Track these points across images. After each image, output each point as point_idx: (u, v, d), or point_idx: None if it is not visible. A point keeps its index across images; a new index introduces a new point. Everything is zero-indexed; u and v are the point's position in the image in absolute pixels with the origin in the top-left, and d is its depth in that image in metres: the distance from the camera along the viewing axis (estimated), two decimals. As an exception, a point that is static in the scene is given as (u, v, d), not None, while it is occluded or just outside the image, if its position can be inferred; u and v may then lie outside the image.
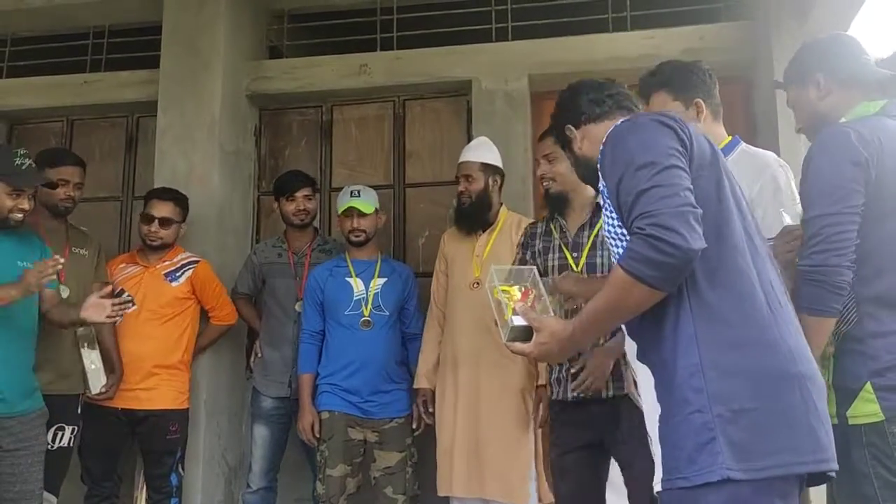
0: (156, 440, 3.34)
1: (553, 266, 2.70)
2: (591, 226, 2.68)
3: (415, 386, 3.24)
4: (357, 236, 3.31)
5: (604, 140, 1.66)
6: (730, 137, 2.38)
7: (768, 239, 1.83)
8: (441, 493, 3.07)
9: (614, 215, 1.61)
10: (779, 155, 2.49)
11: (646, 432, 1.64)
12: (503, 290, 1.75)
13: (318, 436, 3.21)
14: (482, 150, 3.25)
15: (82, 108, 4.44)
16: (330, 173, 4.29)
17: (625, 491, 2.50)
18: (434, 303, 3.29)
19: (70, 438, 3.15)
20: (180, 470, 3.41)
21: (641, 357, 1.64)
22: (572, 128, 1.87)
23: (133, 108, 4.40)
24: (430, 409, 3.19)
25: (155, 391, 3.32)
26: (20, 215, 2.72)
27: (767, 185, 2.21)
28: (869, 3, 3.38)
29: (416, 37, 4.20)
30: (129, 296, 3.21)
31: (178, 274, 3.45)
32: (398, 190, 4.16)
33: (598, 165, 1.67)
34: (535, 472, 2.96)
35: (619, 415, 2.48)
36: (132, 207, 4.36)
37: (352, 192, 3.34)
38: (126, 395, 3.28)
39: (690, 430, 1.44)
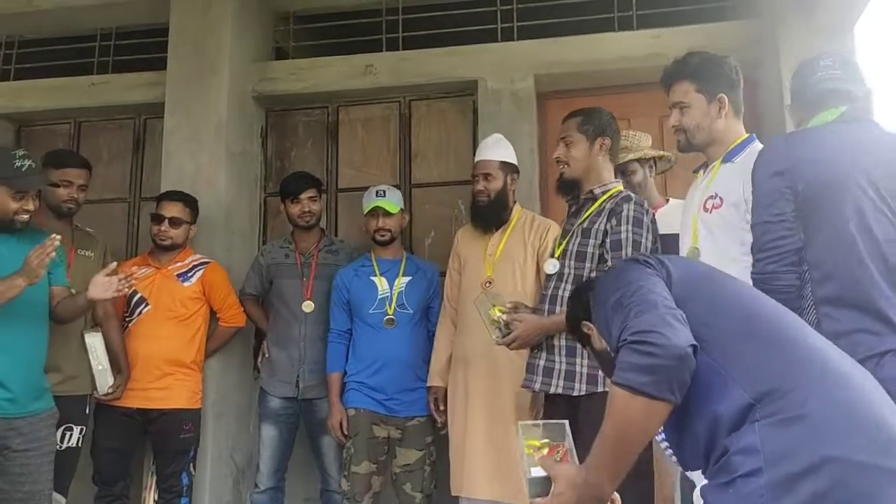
0: (170, 439, 3.36)
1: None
2: (580, 213, 2.76)
3: (427, 384, 3.25)
4: (382, 236, 3.36)
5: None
6: (745, 135, 2.39)
7: None
8: (454, 493, 3.08)
9: None
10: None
11: None
12: (530, 445, 1.66)
13: (346, 433, 3.25)
14: (500, 148, 3.25)
15: (89, 109, 4.46)
16: (336, 174, 4.29)
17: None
18: (447, 301, 3.31)
19: (78, 439, 3.16)
20: (192, 469, 3.43)
21: None
22: (589, 324, 1.81)
23: (140, 109, 4.42)
24: (442, 408, 3.20)
25: (169, 391, 3.34)
26: (26, 216, 2.72)
27: None
28: (875, 1, 3.37)
29: (421, 37, 4.20)
30: (133, 279, 2.91)
31: (189, 275, 3.47)
32: (404, 190, 4.15)
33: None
34: None
35: (578, 415, 2.50)
36: (139, 209, 4.39)
37: (377, 192, 3.39)
38: (140, 394, 3.30)
39: None
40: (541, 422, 1.80)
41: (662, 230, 2.76)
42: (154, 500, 3.47)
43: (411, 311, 3.32)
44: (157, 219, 3.45)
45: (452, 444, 3.09)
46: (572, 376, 2.60)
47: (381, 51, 4.23)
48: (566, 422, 1.73)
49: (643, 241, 2.60)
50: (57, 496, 2.95)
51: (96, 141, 4.54)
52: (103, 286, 2.74)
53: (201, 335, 3.48)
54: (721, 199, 2.30)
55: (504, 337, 2.72)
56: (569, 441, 1.68)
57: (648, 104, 3.64)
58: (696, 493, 1.59)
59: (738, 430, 1.36)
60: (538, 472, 1.60)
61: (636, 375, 1.37)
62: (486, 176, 3.17)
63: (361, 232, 4.06)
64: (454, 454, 3.07)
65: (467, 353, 3.10)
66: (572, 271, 2.69)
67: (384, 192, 3.40)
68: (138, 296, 3.40)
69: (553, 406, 2.69)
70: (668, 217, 2.92)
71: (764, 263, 2.03)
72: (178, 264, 3.48)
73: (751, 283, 2.01)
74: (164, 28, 4.18)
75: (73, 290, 3.12)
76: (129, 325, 3.40)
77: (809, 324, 1.82)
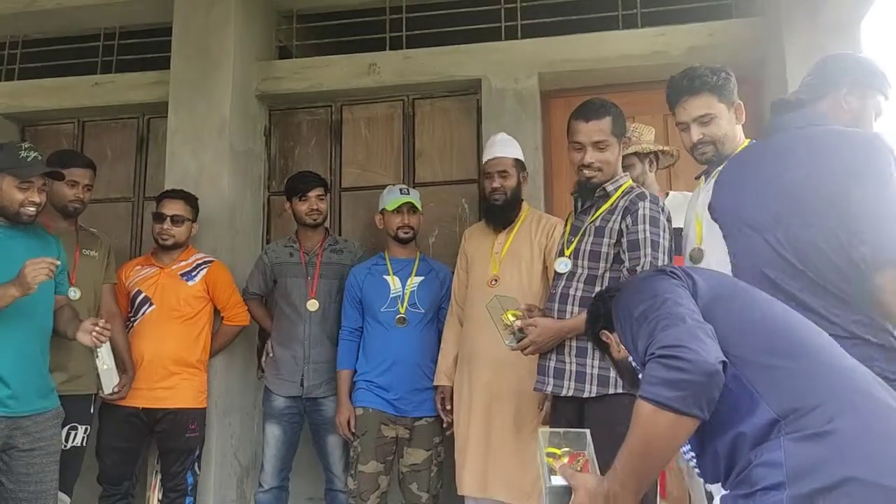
0: (175, 439, 3.36)
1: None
2: (591, 211, 2.70)
3: (434, 383, 3.24)
4: (406, 233, 3.36)
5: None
6: (747, 141, 2.39)
7: None
8: (459, 492, 3.06)
9: None
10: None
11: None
12: (550, 452, 1.63)
13: (353, 431, 3.25)
14: (512, 146, 3.22)
15: (93, 109, 4.47)
16: (340, 173, 4.29)
17: None
18: (454, 300, 3.29)
19: (83, 438, 3.18)
20: (197, 469, 3.43)
21: None
22: (608, 333, 1.79)
23: (144, 109, 4.42)
24: (448, 407, 3.19)
25: (175, 390, 3.35)
26: (32, 209, 2.71)
27: None
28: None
29: (425, 36, 4.20)
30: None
31: (193, 273, 3.48)
32: (408, 189, 4.17)
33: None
34: None
35: (586, 416, 2.49)
36: (143, 208, 4.39)
37: (401, 190, 3.40)
38: (146, 394, 3.30)
39: None
40: (562, 430, 1.75)
41: None
42: (158, 500, 3.47)
43: (423, 311, 3.31)
44: (159, 217, 3.46)
45: (456, 444, 3.08)
46: (583, 378, 2.55)
47: (385, 50, 4.23)
48: (588, 431, 1.70)
49: (661, 240, 2.52)
50: (62, 496, 2.95)
51: (100, 140, 4.55)
52: (88, 334, 2.79)
53: (206, 334, 3.48)
54: None
55: (518, 342, 2.67)
56: (590, 450, 1.65)
57: (652, 102, 3.62)
58: (716, 503, 1.58)
59: (762, 444, 1.35)
60: (558, 480, 1.57)
61: (664, 390, 1.35)
62: (502, 173, 3.13)
63: (366, 230, 4.08)
64: (458, 454, 3.06)
65: (472, 352, 3.08)
66: (585, 271, 2.62)
67: (408, 189, 3.43)
68: (142, 295, 3.41)
69: (561, 406, 2.66)
70: (669, 209, 2.90)
71: None
72: (182, 263, 3.49)
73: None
74: (167, 27, 4.18)
75: (78, 291, 3.14)
76: (134, 324, 3.41)
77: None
